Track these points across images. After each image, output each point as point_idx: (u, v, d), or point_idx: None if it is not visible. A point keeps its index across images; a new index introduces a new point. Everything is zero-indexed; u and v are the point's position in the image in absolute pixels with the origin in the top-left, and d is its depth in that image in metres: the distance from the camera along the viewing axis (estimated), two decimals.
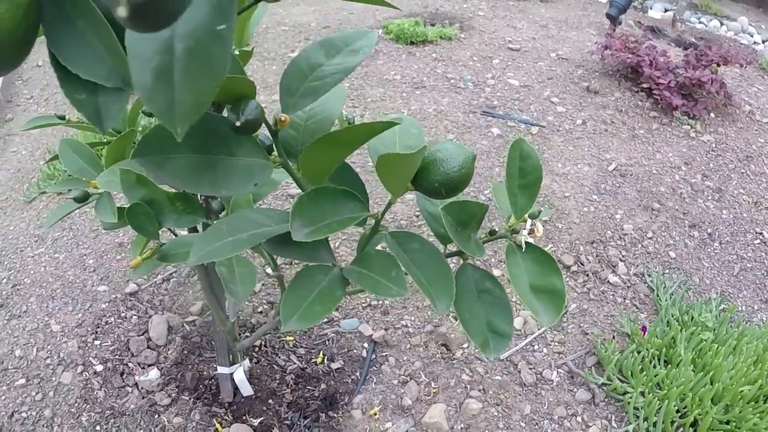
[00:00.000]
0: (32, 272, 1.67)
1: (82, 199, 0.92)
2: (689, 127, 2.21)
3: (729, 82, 2.66)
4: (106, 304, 1.47)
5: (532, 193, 0.64)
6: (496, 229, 0.67)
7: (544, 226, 1.71)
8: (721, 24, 4.26)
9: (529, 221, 0.64)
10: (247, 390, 1.20)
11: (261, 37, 2.86)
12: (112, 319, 1.43)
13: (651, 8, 4.30)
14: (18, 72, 3.12)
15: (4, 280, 1.67)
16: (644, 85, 2.30)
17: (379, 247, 0.68)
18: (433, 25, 2.91)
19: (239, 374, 1.15)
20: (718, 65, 2.34)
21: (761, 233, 1.80)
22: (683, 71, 2.29)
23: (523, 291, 0.61)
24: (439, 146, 0.59)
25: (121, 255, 1.63)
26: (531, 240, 0.63)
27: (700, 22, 4.28)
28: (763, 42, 4.23)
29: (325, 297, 0.60)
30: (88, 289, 1.53)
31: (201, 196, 0.82)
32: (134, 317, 1.43)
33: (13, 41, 0.33)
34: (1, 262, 1.76)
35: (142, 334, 1.39)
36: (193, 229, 0.91)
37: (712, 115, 2.30)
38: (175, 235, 0.95)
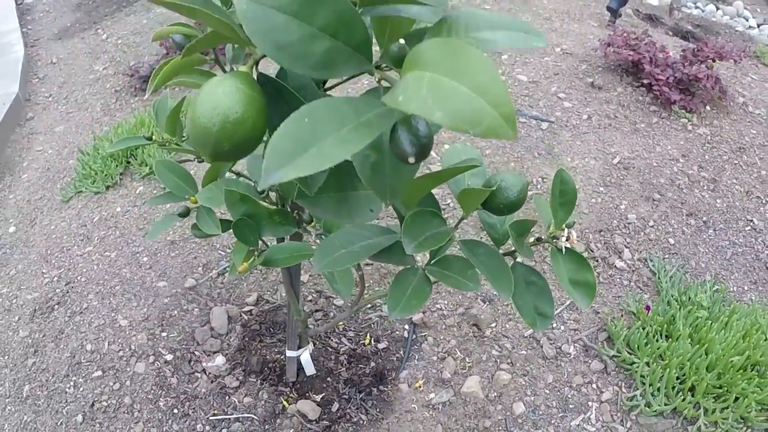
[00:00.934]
0: (84, 270, 1.88)
1: (185, 214, 1.12)
2: (686, 120, 2.43)
3: (724, 73, 2.88)
4: (168, 298, 1.68)
5: (569, 209, 0.86)
6: (540, 237, 0.89)
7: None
8: (717, 8, 4.46)
9: (566, 230, 0.86)
10: (310, 369, 1.42)
11: None
12: (176, 312, 1.65)
13: None
14: (33, 70, 3.28)
15: (56, 279, 1.87)
16: (645, 81, 2.52)
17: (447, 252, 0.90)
18: None
19: (305, 356, 1.38)
20: (714, 61, 2.55)
21: (752, 220, 2.03)
22: (681, 66, 2.51)
23: (564, 284, 0.83)
24: (502, 176, 0.80)
25: (175, 252, 1.84)
26: (569, 245, 0.85)
27: (697, 7, 4.48)
28: (758, 26, 4.44)
29: (418, 293, 0.82)
30: (148, 285, 1.74)
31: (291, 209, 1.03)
32: (195, 309, 1.65)
33: (255, 139, 0.54)
34: (48, 261, 1.96)
35: (205, 325, 1.61)
36: (281, 239, 1.12)
37: (707, 108, 2.52)
38: (266, 244, 1.15)
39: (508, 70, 2.67)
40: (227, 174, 1.11)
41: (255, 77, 0.56)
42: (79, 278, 1.84)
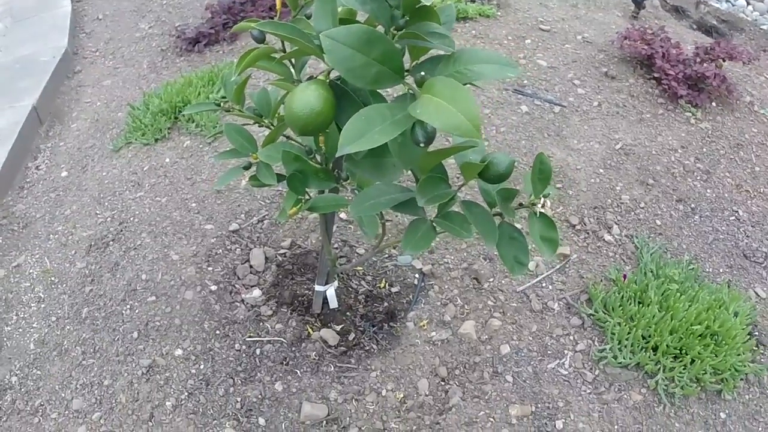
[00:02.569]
0: (137, 212, 2.22)
1: (248, 167, 1.45)
2: (691, 114, 2.70)
3: (738, 71, 3.13)
4: (214, 239, 2.03)
5: (545, 184, 1.17)
6: (522, 203, 1.21)
7: (558, 192, 2.24)
8: (747, 3, 4.64)
9: (542, 199, 1.17)
10: (333, 303, 1.76)
11: None
12: (220, 250, 2.00)
13: None
14: (80, 25, 3.59)
15: (109, 219, 2.22)
16: (655, 75, 2.79)
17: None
18: (473, 1, 3.36)
19: (331, 291, 1.72)
20: (723, 60, 2.80)
21: (737, 211, 2.32)
22: (692, 63, 2.77)
23: (536, 238, 1.15)
24: (495, 155, 1.12)
25: (221, 200, 2.18)
26: (542, 210, 1.17)
27: (727, 1, 4.66)
28: None
29: (425, 236, 1.14)
30: (196, 227, 2.09)
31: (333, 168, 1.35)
32: (237, 249, 2.00)
33: (328, 123, 0.86)
34: (101, 203, 2.30)
35: (245, 263, 1.96)
36: (321, 192, 1.45)
37: (713, 104, 2.79)
38: (309, 195, 1.48)
39: (530, 55, 2.95)
40: (281, 138, 1.44)
41: (328, 83, 0.89)
42: (132, 219, 2.18)
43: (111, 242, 2.09)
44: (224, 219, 2.09)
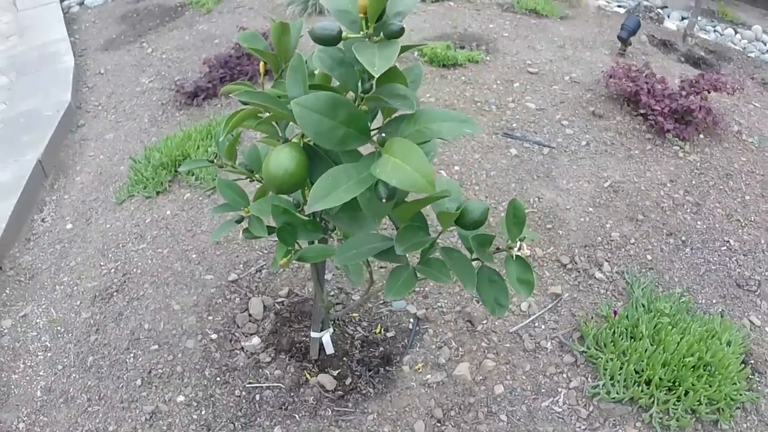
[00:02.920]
0: (139, 264, 2.30)
1: (240, 221, 1.53)
2: (679, 147, 2.78)
3: (725, 101, 3.22)
4: (214, 289, 2.10)
5: (520, 228, 1.24)
6: (500, 247, 1.28)
7: (548, 232, 2.31)
8: (735, 32, 4.76)
9: (518, 243, 1.24)
10: (329, 349, 1.82)
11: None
12: (220, 300, 2.07)
13: (668, 17, 4.82)
14: (83, 79, 3.73)
15: (113, 270, 2.30)
16: (641, 111, 2.88)
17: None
18: (462, 48, 3.49)
19: (326, 337, 1.78)
20: (708, 92, 2.90)
21: (728, 241, 2.38)
22: (677, 98, 2.86)
23: (513, 281, 1.21)
24: (470, 203, 1.19)
25: (220, 251, 2.26)
26: (519, 254, 1.23)
27: (715, 31, 4.78)
28: None
29: (407, 282, 1.21)
30: (197, 278, 2.16)
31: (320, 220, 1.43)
32: (237, 299, 2.07)
33: (302, 183, 0.95)
34: (105, 255, 2.39)
35: (244, 311, 2.02)
36: (310, 242, 1.52)
37: (701, 136, 2.87)
38: (299, 246, 1.55)
39: (519, 98, 3.05)
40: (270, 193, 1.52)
41: (302, 145, 0.98)
42: (134, 270, 2.26)
43: (115, 293, 2.17)
44: (223, 269, 2.16)
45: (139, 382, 1.85)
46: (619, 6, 4.67)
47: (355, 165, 0.86)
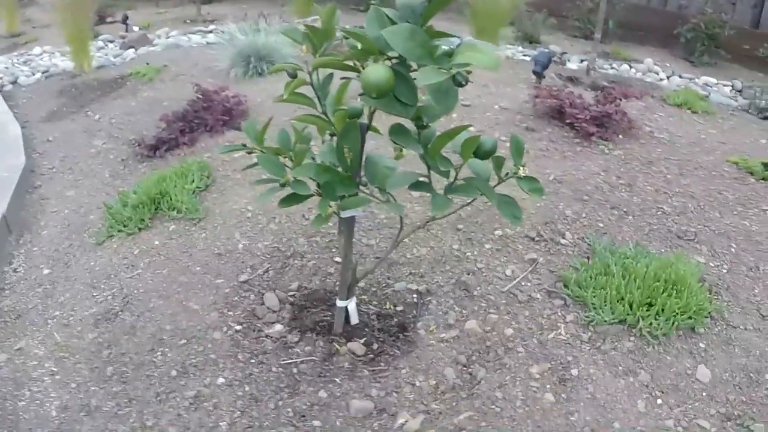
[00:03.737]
0: (139, 286, 2.41)
1: (284, 184, 1.75)
2: (604, 146, 3.30)
3: (635, 113, 3.83)
4: (228, 289, 2.28)
5: (521, 156, 1.60)
6: (508, 173, 1.62)
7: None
8: (630, 67, 5.57)
9: (521, 168, 1.60)
10: (355, 318, 2.04)
11: (259, 109, 3.79)
12: (236, 298, 2.24)
13: (569, 60, 5.58)
14: (32, 147, 3.79)
15: (110, 297, 2.40)
16: (567, 121, 3.40)
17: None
18: None
19: (352, 305, 2.01)
20: (620, 99, 3.48)
21: (662, 208, 2.84)
22: (595, 107, 3.41)
23: (526, 189, 1.55)
24: (483, 137, 1.54)
25: (223, 261, 2.44)
26: (523, 173, 1.58)
27: (612, 68, 5.57)
28: (667, 78, 5.56)
29: (445, 203, 1.52)
30: (207, 283, 2.33)
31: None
32: (251, 295, 2.25)
33: (391, 90, 1.27)
34: (96, 287, 2.47)
35: (262, 305, 2.21)
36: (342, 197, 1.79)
37: (620, 136, 3.41)
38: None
39: (459, 123, 3.50)
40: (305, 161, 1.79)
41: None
42: (135, 292, 2.39)
43: (120, 312, 2.28)
44: (232, 274, 2.35)
45: (174, 373, 1.97)
46: (525, 56, 5.38)
47: (437, 65, 1.21)
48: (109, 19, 6.80)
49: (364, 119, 1.69)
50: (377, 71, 1.25)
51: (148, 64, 4.69)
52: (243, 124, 1.87)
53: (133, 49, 5.49)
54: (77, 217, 3.05)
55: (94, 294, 2.42)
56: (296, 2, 6.15)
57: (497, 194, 1.64)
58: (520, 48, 5.72)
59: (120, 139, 3.68)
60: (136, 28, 6.32)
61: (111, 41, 5.97)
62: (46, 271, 2.67)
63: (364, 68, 1.50)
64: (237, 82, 4.25)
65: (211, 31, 6.05)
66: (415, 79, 1.35)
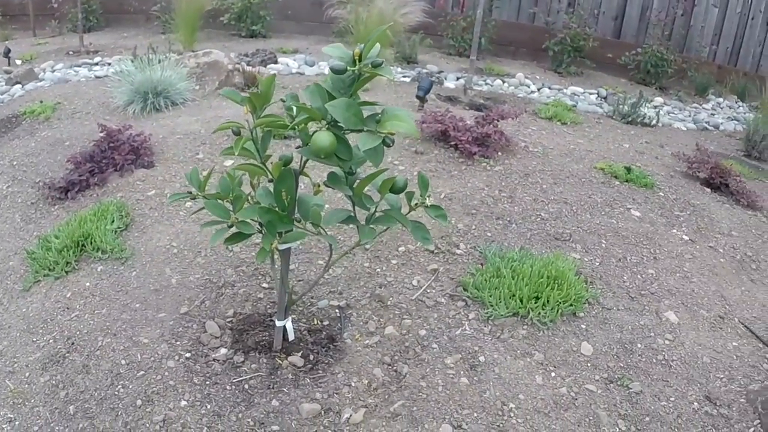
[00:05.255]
0: (81, 327, 2.64)
1: (231, 225, 2.11)
2: (486, 164, 3.88)
3: (511, 129, 4.46)
4: (171, 321, 2.59)
5: (426, 188, 2.08)
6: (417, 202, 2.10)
7: (410, 235, 3.17)
8: (503, 82, 6.31)
9: (428, 198, 2.07)
10: (291, 335, 2.43)
11: (162, 145, 4.05)
12: (180, 328, 2.56)
13: (446, 79, 6.22)
14: None
15: (52, 340, 2.62)
16: (452, 143, 3.96)
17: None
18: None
19: (289, 324, 2.40)
20: (498, 121, 4.09)
21: (540, 214, 3.44)
22: (476, 129, 4.00)
23: (433, 216, 2.03)
24: (396, 177, 2.01)
25: (162, 296, 2.73)
26: (429, 203, 2.06)
27: (486, 83, 6.28)
28: (538, 90, 6.34)
29: (370, 232, 1.97)
30: (151, 318, 2.62)
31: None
32: (194, 325, 2.58)
33: (334, 151, 1.70)
34: (34, 332, 2.64)
35: (205, 333, 2.55)
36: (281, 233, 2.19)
37: (500, 153, 4.02)
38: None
39: None
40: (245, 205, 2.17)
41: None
42: (78, 333, 2.62)
43: (67, 354, 2.52)
44: (171, 307, 2.66)
45: (139, 402, 2.27)
46: (405, 77, 5.95)
47: (367, 127, 1.65)
48: None
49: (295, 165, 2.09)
50: (324, 138, 1.67)
51: (42, 102, 4.77)
52: (186, 174, 2.22)
53: (20, 85, 5.49)
54: None
55: (34, 339, 2.63)
56: (180, 31, 6.38)
57: (410, 221, 2.11)
58: (400, 69, 6.29)
59: (25, 182, 3.81)
60: (18, 62, 6.28)
61: None
62: None
63: (300, 128, 1.92)
64: (137, 119, 4.48)
65: (97, 64, 6.14)
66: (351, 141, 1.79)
